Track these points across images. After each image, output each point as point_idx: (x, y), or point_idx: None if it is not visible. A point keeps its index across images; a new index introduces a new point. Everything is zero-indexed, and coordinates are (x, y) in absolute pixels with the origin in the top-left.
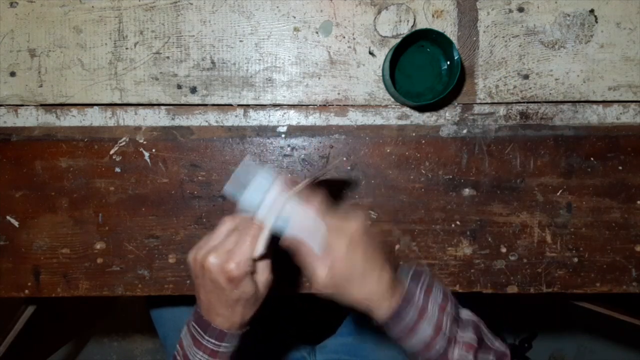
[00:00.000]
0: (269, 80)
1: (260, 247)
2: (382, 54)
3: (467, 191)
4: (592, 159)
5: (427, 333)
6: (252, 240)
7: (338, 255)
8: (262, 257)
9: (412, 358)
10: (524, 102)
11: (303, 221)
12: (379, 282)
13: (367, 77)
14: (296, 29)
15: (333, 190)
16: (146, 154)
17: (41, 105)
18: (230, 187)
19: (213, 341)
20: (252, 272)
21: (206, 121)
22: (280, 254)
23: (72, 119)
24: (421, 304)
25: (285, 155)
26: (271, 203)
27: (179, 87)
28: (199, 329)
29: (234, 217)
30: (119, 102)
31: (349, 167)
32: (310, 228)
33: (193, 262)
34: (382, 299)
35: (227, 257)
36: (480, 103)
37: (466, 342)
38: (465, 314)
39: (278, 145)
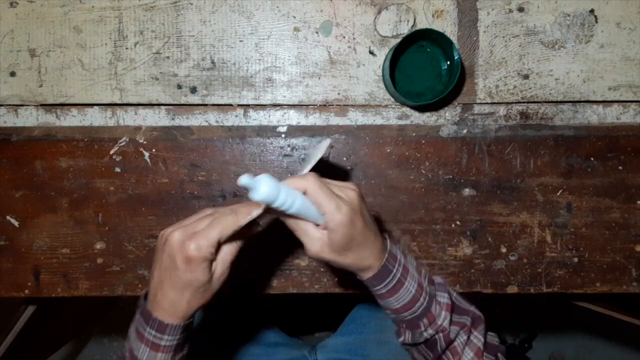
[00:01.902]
0: (269, 80)
1: (226, 233)
2: (382, 54)
3: (467, 191)
4: (592, 159)
5: (412, 289)
6: (221, 228)
7: (338, 224)
8: (227, 249)
9: (397, 321)
10: (524, 102)
11: (302, 197)
12: (373, 247)
13: (367, 77)
14: (296, 29)
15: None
16: (146, 154)
17: (41, 105)
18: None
19: (154, 333)
20: (211, 261)
21: (206, 121)
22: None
23: (72, 119)
24: (403, 263)
25: (285, 155)
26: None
27: (179, 87)
28: (142, 320)
29: (215, 208)
30: (119, 102)
31: (349, 167)
32: (309, 202)
33: (160, 235)
34: (374, 261)
35: (191, 236)
36: (480, 103)
37: (444, 303)
38: (437, 277)
39: (278, 145)
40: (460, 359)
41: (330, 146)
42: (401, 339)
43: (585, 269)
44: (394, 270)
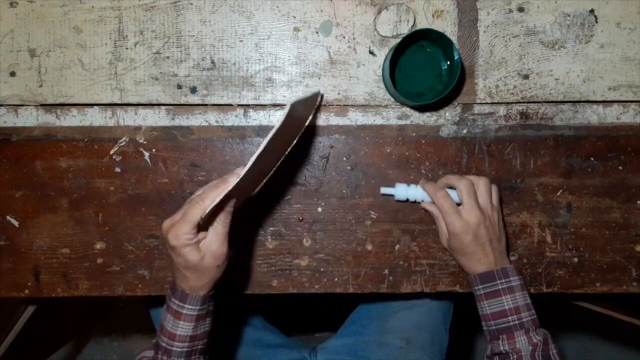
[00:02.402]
0: (269, 80)
1: (196, 220)
2: (382, 54)
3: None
4: (592, 159)
5: (505, 306)
6: (190, 217)
7: (451, 232)
8: (215, 229)
9: (485, 332)
10: (524, 102)
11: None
12: (484, 260)
13: (367, 77)
14: (296, 29)
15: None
16: (146, 154)
17: (41, 105)
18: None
19: (177, 302)
20: (197, 243)
21: (206, 121)
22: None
23: (72, 119)
24: (512, 285)
25: None
26: None
27: (179, 87)
28: (170, 293)
29: (202, 188)
30: (119, 102)
31: (349, 167)
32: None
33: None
34: (485, 263)
35: (169, 228)
36: (480, 103)
37: (534, 340)
38: (544, 331)
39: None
40: None
41: (330, 146)
42: (487, 352)
43: (585, 269)
44: (498, 281)
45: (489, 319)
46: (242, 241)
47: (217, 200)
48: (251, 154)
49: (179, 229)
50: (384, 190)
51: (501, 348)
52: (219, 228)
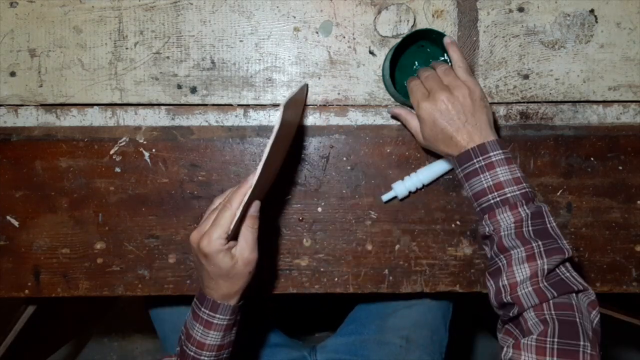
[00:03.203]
0: (269, 80)
1: (228, 226)
2: (382, 54)
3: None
4: (592, 159)
5: (483, 184)
6: (222, 223)
7: (420, 118)
8: (244, 235)
9: (472, 203)
10: (524, 102)
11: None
12: (457, 145)
13: (367, 77)
14: (296, 29)
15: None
16: (146, 154)
17: (41, 105)
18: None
19: (208, 312)
20: (230, 249)
21: (206, 121)
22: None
23: (72, 119)
24: (492, 161)
25: None
26: None
27: (179, 87)
28: (197, 302)
29: (221, 196)
30: (119, 102)
31: (349, 167)
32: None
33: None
34: (463, 141)
35: (202, 236)
36: None
37: (519, 214)
38: (544, 206)
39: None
40: (513, 271)
41: (330, 146)
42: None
43: (585, 269)
44: (474, 160)
45: (474, 201)
46: None
47: (245, 199)
48: (251, 154)
49: (212, 234)
50: (385, 197)
51: (486, 230)
52: (248, 234)
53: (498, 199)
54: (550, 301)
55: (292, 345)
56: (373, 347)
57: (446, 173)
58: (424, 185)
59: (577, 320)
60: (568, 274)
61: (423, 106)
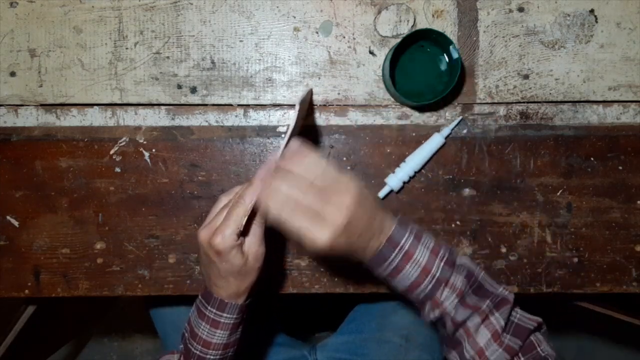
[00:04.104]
0: (269, 80)
1: (241, 221)
2: (382, 54)
3: (467, 191)
4: (592, 159)
5: (412, 275)
6: (235, 218)
7: (342, 216)
8: (253, 231)
9: (403, 295)
10: (524, 102)
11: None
12: (373, 236)
13: (367, 77)
14: (296, 29)
15: None
16: (146, 154)
17: (41, 105)
18: None
19: (215, 311)
20: (241, 245)
21: (206, 121)
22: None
23: (72, 119)
24: (407, 248)
25: None
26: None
27: (179, 87)
28: (203, 301)
29: (227, 194)
30: (119, 102)
31: (349, 167)
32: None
33: (197, 238)
34: (370, 246)
35: (214, 232)
36: (480, 103)
37: (458, 287)
38: (463, 259)
39: (278, 145)
40: (475, 339)
41: (330, 146)
42: (424, 317)
43: (585, 269)
44: (391, 258)
45: (408, 294)
46: None
47: (254, 200)
48: (251, 154)
49: (225, 231)
50: (381, 193)
51: (431, 316)
52: (256, 229)
53: (432, 282)
54: (519, 353)
55: (293, 344)
56: (373, 346)
57: (435, 154)
58: (415, 173)
59: (541, 354)
60: (519, 316)
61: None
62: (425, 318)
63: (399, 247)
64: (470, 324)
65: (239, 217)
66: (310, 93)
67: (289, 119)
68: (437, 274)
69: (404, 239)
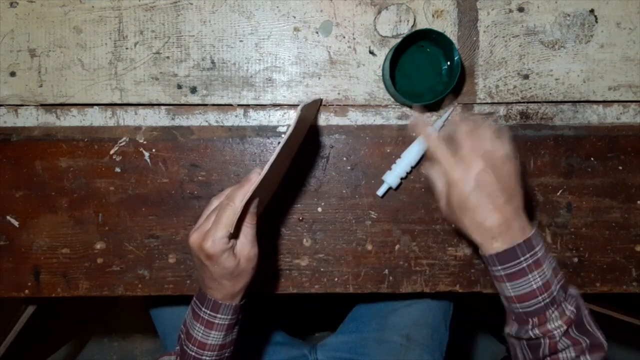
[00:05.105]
0: (269, 80)
1: (230, 223)
2: (382, 54)
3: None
4: (592, 159)
5: (533, 285)
6: (224, 221)
7: (449, 183)
8: (244, 232)
9: (508, 310)
10: (524, 102)
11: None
12: (486, 222)
13: (367, 77)
14: (296, 29)
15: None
16: (146, 154)
17: (41, 105)
18: None
19: (209, 312)
20: (232, 247)
21: (206, 121)
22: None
23: (72, 119)
24: (539, 256)
25: None
26: None
27: (179, 87)
28: (197, 302)
29: (218, 197)
30: (119, 102)
31: (349, 167)
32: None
33: (188, 241)
34: (490, 239)
35: (204, 236)
36: (481, 103)
37: (567, 314)
38: (574, 291)
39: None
40: None
41: (330, 146)
42: (507, 329)
43: (585, 269)
44: (522, 258)
45: (514, 302)
46: None
47: (247, 196)
48: (251, 154)
49: (215, 234)
50: (380, 191)
51: (530, 333)
52: (247, 230)
53: (548, 299)
54: None
55: (293, 343)
56: (373, 346)
57: None
58: (412, 168)
59: None
60: None
61: (452, 168)
62: (516, 331)
63: (532, 252)
64: (563, 356)
65: (229, 219)
66: (318, 102)
67: (289, 119)
68: (554, 294)
69: (539, 246)
